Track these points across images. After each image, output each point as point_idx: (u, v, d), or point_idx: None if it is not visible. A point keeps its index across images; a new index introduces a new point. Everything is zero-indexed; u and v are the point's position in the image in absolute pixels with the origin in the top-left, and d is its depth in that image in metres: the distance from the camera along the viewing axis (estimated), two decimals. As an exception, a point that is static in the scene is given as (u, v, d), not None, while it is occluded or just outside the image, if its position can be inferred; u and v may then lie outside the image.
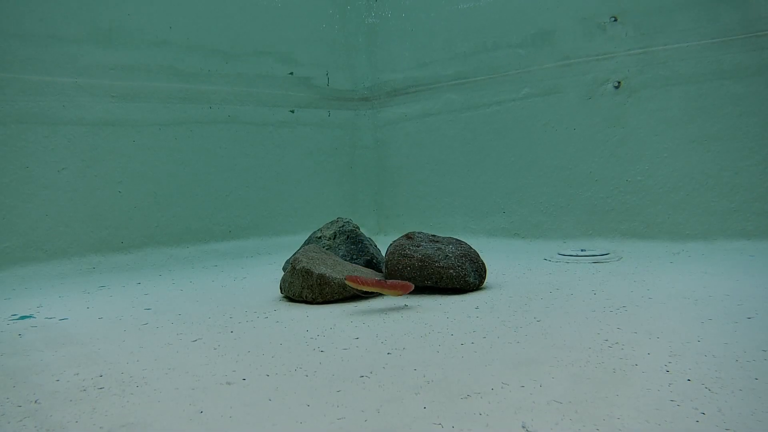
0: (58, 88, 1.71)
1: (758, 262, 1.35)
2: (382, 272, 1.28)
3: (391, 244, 1.23)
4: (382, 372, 0.70)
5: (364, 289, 1.08)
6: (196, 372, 0.74)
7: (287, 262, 1.39)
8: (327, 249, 1.37)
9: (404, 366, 0.72)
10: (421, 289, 1.22)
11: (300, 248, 1.35)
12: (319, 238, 1.42)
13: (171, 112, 1.93)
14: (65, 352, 0.86)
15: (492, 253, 1.70)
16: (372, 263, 1.36)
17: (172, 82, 1.93)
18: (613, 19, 1.74)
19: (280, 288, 1.21)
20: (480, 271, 1.20)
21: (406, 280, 1.18)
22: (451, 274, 1.15)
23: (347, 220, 1.45)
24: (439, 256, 1.17)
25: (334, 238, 1.40)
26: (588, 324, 0.88)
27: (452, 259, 1.17)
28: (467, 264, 1.18)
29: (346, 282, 1.08)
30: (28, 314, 1.13)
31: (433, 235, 1.28)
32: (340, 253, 1.36)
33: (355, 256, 1.36)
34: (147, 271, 1.66)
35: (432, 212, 2.28)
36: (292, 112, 2.24)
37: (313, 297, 1.13)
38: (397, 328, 0.91)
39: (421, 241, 1.23)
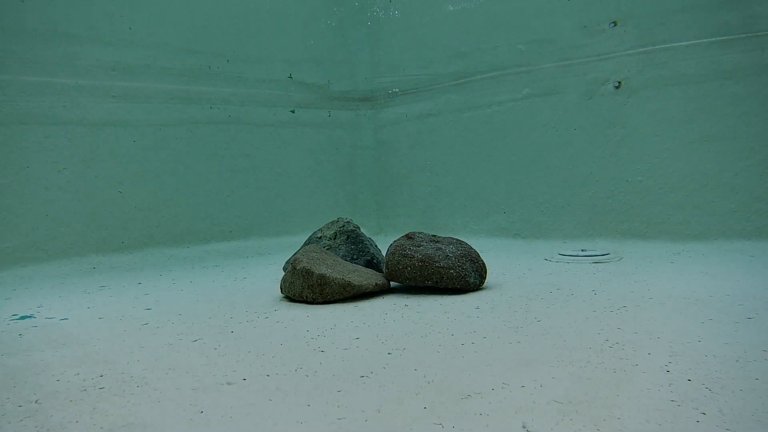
0: (59, 88, 1.71)
1: (758, 262, 1.35)
2: (382, 272, 1.28)
3: (391, 244, 1.23)
4: (382, 372, 0.70)
5: None
6: (197, 372, 0.74)
7: (288, 262, 1.39)
8: (327, 249, 1.37)
9: (405, 366, 0.72)
10: (422, 289, 1.22)
11: (300, 248, 1.35)
12: (320, 238, 1.42)
13: (171, 113, 1.93)
14: (66, 352, 0.86)
15: (492, 253, 1.70)
16: (372, 263, 1.36)
17: (173, 83, 1.93)
18: (613, 24, 1.74)
19: (281, 288, 1.21)
20: (480, 271, 1.20)
21: (406, 280, 1.18)
22: (451, 275, 1.15)
23: (348, 220, 1.45)
24: (439, 256, 1.17)
25: (334, 239, 1.40)
26: (588, 324, 0.88)
27: (453, 259, 1.17)
28: (468, 264, 1.18)
29: None
30: (28, 314, 1.13)
31: (434, 236, 1.28)
32: (341, 254, 1.36)
33: (355, 257, 1.36)
34: (147, 271, 1.66)
35: (432, 212, 2.28)
36: (293, 112, 2.24)
37: (314, 297, 1.13)
38: (398, 328, 0.91)
39: (421, 241, 1.23)
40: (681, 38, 1.65)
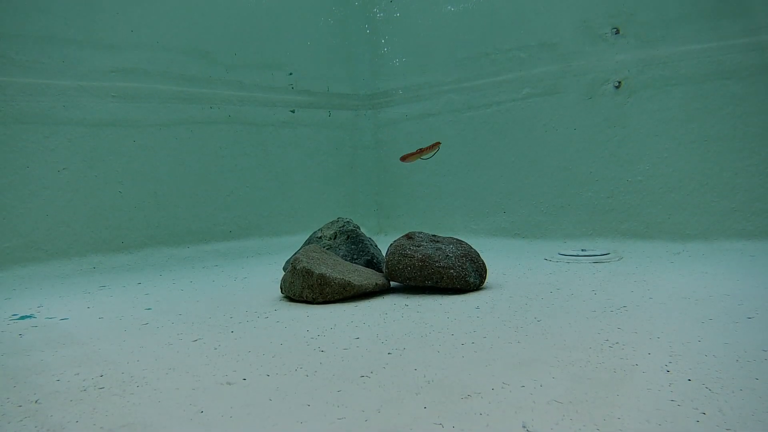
0: (59, 88, 1.71)
1: (758, 262, 1.35)
2: (382, 272, 1.28)
3: (391, 244, 1.23)
4: (382, 372, 0.70)
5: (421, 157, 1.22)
6: (197, 372, 0.74)
7: (288, 262, 1.39)
8: (327, 249, 1.37)
9: (405, 366, 0.72)
10: (422, 289, 1.22)
11: (300, 248, 1.35)
12: (320, 238, 1.42)
13: (172, 113, 1.93)
14: (66, 352, 0.86)
15: (492, 253, 1.70)
16: (372, 263, 1.36)
17: (173, 83, 1.93)
18: (615, 31, 1.74)
19: (281, 288, 1.21)
20: (480, 271, 1.20)
21: (406, 280, 1.18)
22: (451, 274, 1.15)
23: (347, 220, 1.45)
24: (439, 256, 1.17)
25: (334, 238, 1.40)
26: (588, 324, 0.88)
27: (453, 259, 1.17)
28: (468, 264, 1.18)
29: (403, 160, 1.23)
30: (28, 314, 1.13)
31: (434, 235, 1.28)
32: (341, 253, 1.36)
33: (355, 256, 1.36)
34: (147, 271, 1.66)
35: (432, 212, 2.28)
36: (293, 112, 2.24)
37: (314, 297, 1.13)
38: (398, 328, 0.91)
39: (421, 241, 1.23)
40: (681, 39, 1.65)
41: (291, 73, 2.17)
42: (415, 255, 1.18)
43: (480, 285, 1.20)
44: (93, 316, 1.10)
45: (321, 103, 2.34)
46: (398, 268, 1.18)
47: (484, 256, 1.30)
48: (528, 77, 1.97)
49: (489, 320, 0.93)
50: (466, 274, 1.16)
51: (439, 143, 1.39)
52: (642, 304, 0.99)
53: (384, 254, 1.31)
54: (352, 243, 1.38)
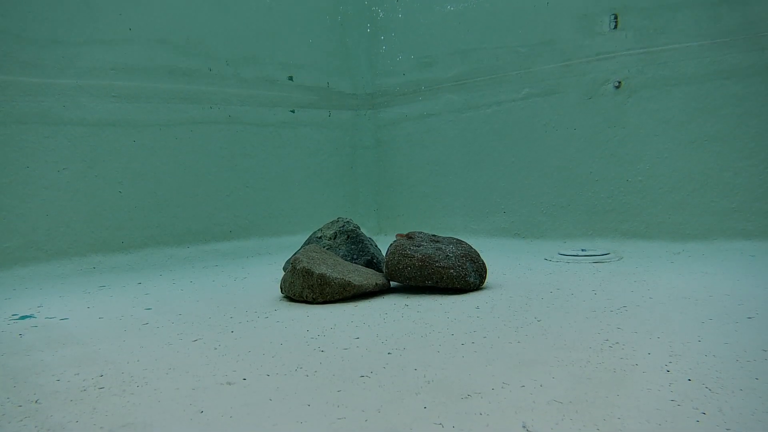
0: (59, 88, 1.71)
1: (758, 262, 1.35)
2: (382, 272, 1.28)
3: (391, 244, 1.23)
4: (382, 372, 0.70)
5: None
6: (197, 372, 0.74)
7: (288, 262, 1.39)
8: (327, 249, 1.37)
9: (405, 366, 0.72)
10: (422, 289, 1.22)
11: (300, 248, 1.35)
12: (320, 238, 1.42)
13: (172, 113, 1.93)
14: (66, 352, 0.86)
15: (492, 253, 1.70)
16: (372, 263, 1.36)
17: (173, 83, 1.93)
18: (614, 25, 1.74)
19: (281, 288, 1.21)
20: (480, 271, 1.20)
21: (406, 280, 1.18)
22: (451, 274, 1.15)
23: (348, 220, 1.45)
24: (439, 256, 1.17)
25: (334, 238, 1.40)
26: (588, 324, 0.88)
27: (453, 259, 1.17)
28: (468, 264, 1.18)
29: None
30: (28, 314, 1.13)
31: (434, 235, 1.28)
32: (341, 253, 1.36)
33: (355, 256, 1.36)
34: (147, 271, 1.66)
35: (432, 212, 2.28)
36: (293, 112, 2.24)
37: (314, 297, 1.13)
38: (398, 328, 0.91)
39: (421, 241, 1.23)
40: (681, 38, 1.65)
41: (291, 78, 2.17)
42: (415, 255, 1.18)
43: (480, 285, 1.20)
44: (93, 316, 1.10)
45: (321, 103, 2.34)
46: (398, 268, 1.18)
47: (484, 256, 1.30)
48: (528, 77, 1.97)
49: (489, 320, 0.93)
50: (466, 274, 1.16)
51: None
52: (642, 304, 0.99)
53: (384, 254, 1.31)
54: (352, 243, 1.38)
